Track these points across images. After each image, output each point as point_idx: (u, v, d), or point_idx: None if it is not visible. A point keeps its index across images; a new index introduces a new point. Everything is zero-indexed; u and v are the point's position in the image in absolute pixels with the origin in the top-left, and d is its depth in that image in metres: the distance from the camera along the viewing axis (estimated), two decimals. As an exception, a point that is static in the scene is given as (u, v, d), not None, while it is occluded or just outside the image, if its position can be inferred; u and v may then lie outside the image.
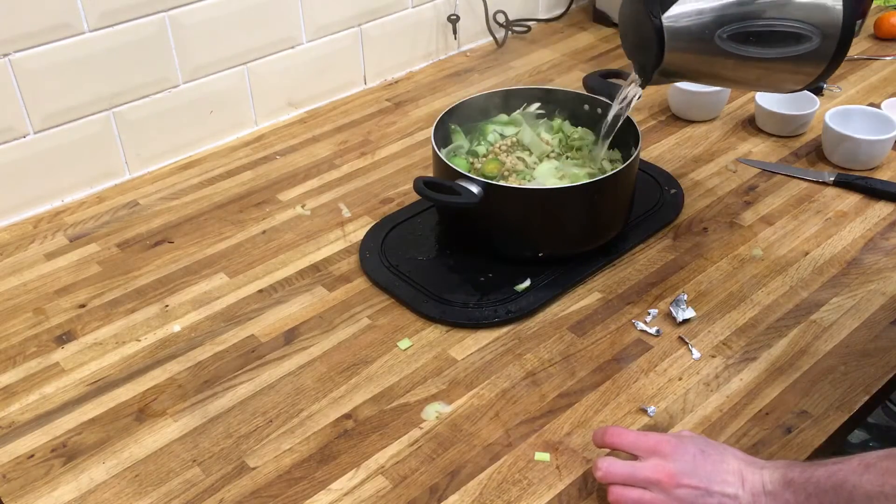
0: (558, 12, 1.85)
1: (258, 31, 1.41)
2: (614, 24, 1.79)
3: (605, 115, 1.23)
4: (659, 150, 1.39)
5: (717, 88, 1.43)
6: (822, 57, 1.02)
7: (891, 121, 1.33)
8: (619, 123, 1.16)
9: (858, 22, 1.71)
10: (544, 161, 1.19)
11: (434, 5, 1.64)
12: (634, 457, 0.83)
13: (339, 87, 1.57)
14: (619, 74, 1.28)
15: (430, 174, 1.20)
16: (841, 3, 1.00)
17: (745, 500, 0.78)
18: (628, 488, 0.81)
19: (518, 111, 1.28)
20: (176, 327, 1.07)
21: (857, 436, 1.73)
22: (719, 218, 1.23)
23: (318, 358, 1.02)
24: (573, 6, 1.86)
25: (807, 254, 1.16)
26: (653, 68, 1.05)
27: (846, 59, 1.62)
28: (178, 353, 1.04)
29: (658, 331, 1.04)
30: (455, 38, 1.71)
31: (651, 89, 1.55)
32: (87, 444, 0.93)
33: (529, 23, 1.80)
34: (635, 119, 1.18)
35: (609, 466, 0.82)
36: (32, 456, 0.92)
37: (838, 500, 0.72)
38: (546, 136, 1.24)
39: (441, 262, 1.15)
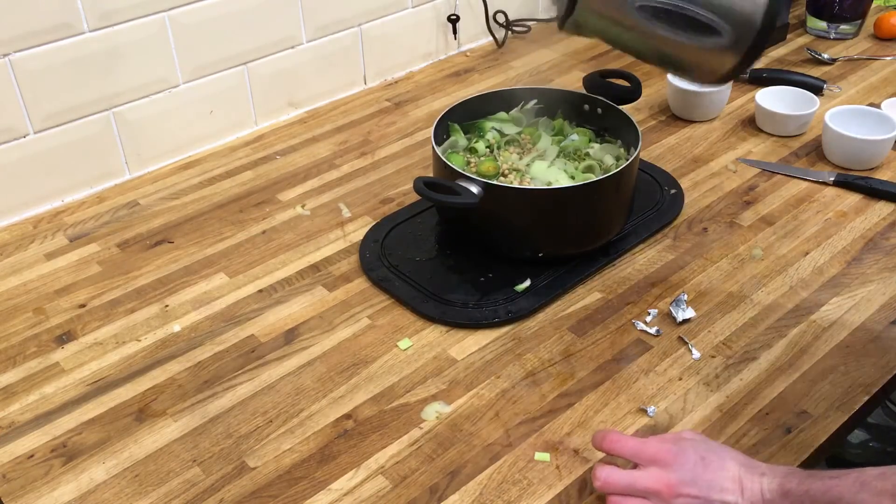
0: (558, 12, 1.85)
1: (258, 31, 1.41)
2: (614, 24, 1.79)
3: (605, 115, 1.24)
4: (659, 150, 1.39)
5: (718, 88, 1.43)
6: (729, 56, 0.98)
7: (891, 121, 1.33)
8: None
9: (858, 22, 1.71)
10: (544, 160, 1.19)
11: (434, 5, 1.64)
12: (635, 463, 0.83)
13: (339, 87, 1.57)
14: (619, 74, 1.28)
15: (430, 174, 1.20)
16: (763, 11, 0.99)
17: None
18: (627, 498, 0.81)
19: (516, 109, 1.28)
20: (176, 327, 1.07)
21: (857, 436, 1.73)
22: (719, 218, 1.23)
23: (318, 358, 1.02)
24: (573, 6, 1.86)
25: (807, 254, 1.16)
26: (564, 16, 1.02)
27: (846, 58, 1.63)
28: (178, 353, 1.04)
29: (658, 331, 1.04)
30: (455, 38, 1.71)
31: (651, 89, 1.55)
32: (87, 444, 0.93)
33: (529, 23, 1.80)
34: (635, 119, 1.18)
35: (608, 476, 0.82)
36: (32, 456, 0.92)
37: None
38: (548, 138, 1.24)
39: (441, 262, 1.15)
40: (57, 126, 1.26)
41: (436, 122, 1.19)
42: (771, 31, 1.00)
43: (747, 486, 0.79)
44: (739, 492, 0.79)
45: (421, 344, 1.04)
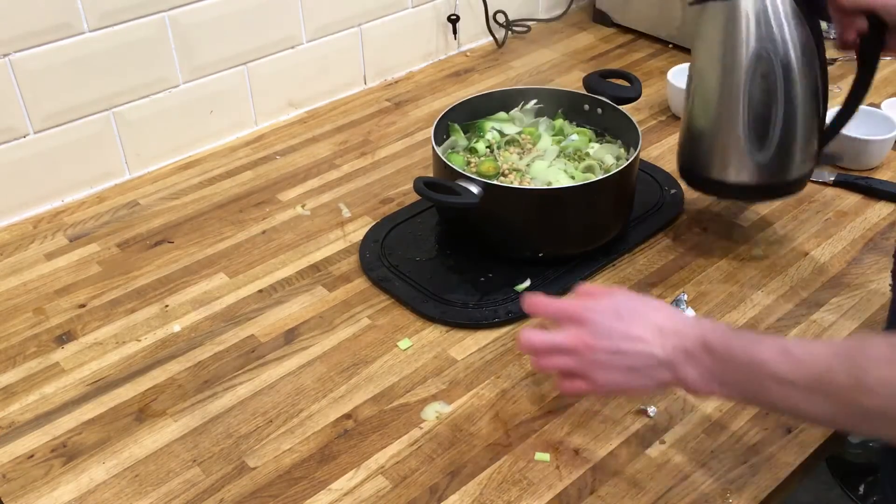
0: (558, 12, 1.85)
1: (258, 31, 1.41)
2: (614, 24, 1.79)
3: (605, 115, 1.24)
4: (659, 150, 1.39)
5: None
6: (742, 172, 1.04)
7: (891, 121, 1.33)
8: None
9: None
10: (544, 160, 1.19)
11: (434, 5, 1.64)
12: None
13: (339, 87, 1.57)
14: (619, 74, 1.28)
15: (430, 174, 1.20)
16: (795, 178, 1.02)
17: (661, 356, 0.78)
18: (550, 357, 0.83)
19: (516, 109, 1.28)
20: (176, 327, 1.07)
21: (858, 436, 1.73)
22: (719, 218, 1.23)
23: (318, 358, 1.02)
24: (573, 6, 1.86)
25: (807, 254, 1.16)
26: None
27: (847, 59, 1.63)
28: (178, 353, 1.04)
29: (658, 331, 1.04)
30: (455, 38, 1.71)
31: (651, 89, 1.55)
32: (87, 444, 0.93)
33: (529, 23, 1.80)
34: (635, 119, 1.18)
35: (530, 337, 0.83)
36: (32, 456, 0.92)
37: (751, 376, 0.74)
38: (548, 138, 1.24)
39: (441, 262, 1.15)
40: (57, 126, 1.26)
41: (436, 122, 1.19)
42: (778, 192, 1.09)
43: (669, 336, 0.79)
44: (658, 342, 0.79)
45: (421, 344, 1.04)
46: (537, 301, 0.87)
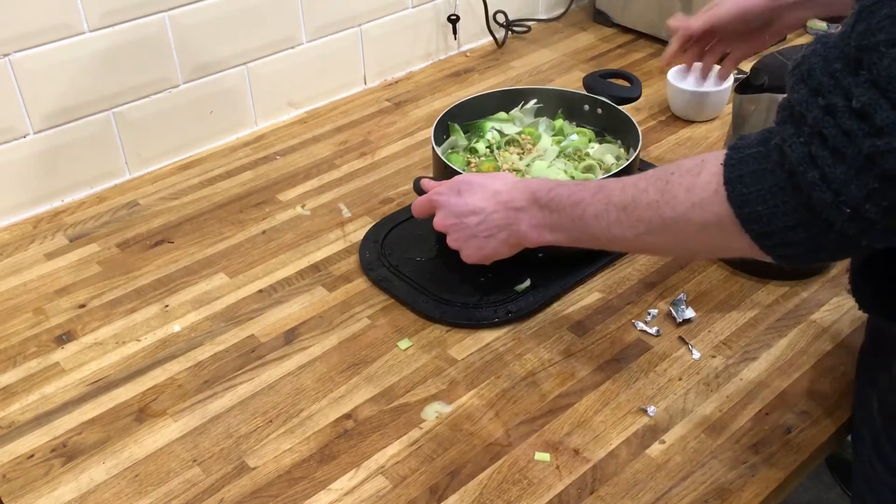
0: (558, 12, 1.85)
1: (258, 31, 1.41)
2: (614, 24, 1.79)
3: (605, 114, 1.24)
4: (659, 150, 1.39)
5: (718, 88, 1.42)
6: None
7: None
8: None
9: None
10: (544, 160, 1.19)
11: (434, 5, 1.64)
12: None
13: (339, 87, 1.57)
14: (619, 74, 1.28)
15: (430, 174, 1.20)
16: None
17: (498, 220, 0.90)
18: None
19: (516, 109, 1.28)
20: (176, 327, 1.07)
21: (857, 436, 1.72)
22: (719, 218, 1.23)
23: (318, 358, 1.02)
24: (573, 6, 1.86)
25: (807, 254, 1.16)
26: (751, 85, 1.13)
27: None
28: (178, 353, 1.04)
29: (658, 331, 1.04)
30: (455, 38, 1.71)
31: (651, 89, 1.55)
32: (87, 444, 0.93)
33: (529, 23, 1.80)
34: (635, 119, 1.18)
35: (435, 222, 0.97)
36: (32, 456, 0.92)
37: (574, 217, 0.84)
38: (548, 138, 1.24)
39: (441, 262, 1.15)
40: (57, 126, 1.26)
41: (436, 122, 1.19)
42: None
43: (502, 198, 0.90)
44: (493, 207, 0.90)
45: (421, 344, 1.04)
46: (416, 203, 1.00)
